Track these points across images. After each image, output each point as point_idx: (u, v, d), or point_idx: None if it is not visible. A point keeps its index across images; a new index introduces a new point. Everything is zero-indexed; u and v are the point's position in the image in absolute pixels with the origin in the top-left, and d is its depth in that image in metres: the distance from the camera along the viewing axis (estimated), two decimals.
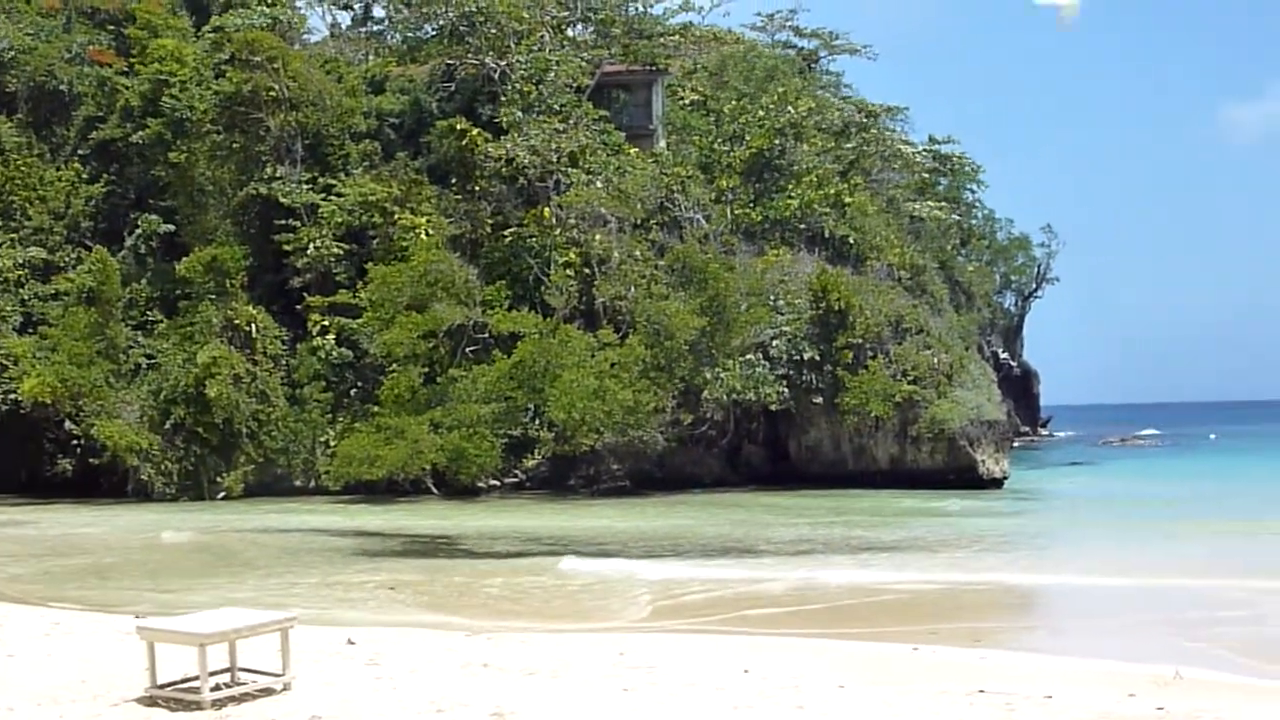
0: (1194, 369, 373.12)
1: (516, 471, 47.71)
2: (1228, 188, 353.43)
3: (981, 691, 13.00)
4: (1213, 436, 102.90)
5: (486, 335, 47.84)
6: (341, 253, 49.82)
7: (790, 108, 54.32)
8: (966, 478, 47.49)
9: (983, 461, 48.65)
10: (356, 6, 65.81)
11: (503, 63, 52.49)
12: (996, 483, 48.59)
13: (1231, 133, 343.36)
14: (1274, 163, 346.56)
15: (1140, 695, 13.02)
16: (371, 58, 60.27)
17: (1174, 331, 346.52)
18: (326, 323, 49.03)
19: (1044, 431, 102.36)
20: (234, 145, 51.69)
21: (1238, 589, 21.16)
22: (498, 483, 47.07)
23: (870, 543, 30.16)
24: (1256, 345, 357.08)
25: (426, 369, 47.22)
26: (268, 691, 12.55)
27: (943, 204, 72.11)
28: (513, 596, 22.45)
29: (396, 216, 49.54)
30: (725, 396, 47.04)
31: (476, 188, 51.03)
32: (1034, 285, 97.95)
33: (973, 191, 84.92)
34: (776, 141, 53.75)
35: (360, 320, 48.03)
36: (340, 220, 50.04)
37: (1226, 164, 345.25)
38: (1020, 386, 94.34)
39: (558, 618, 20.11)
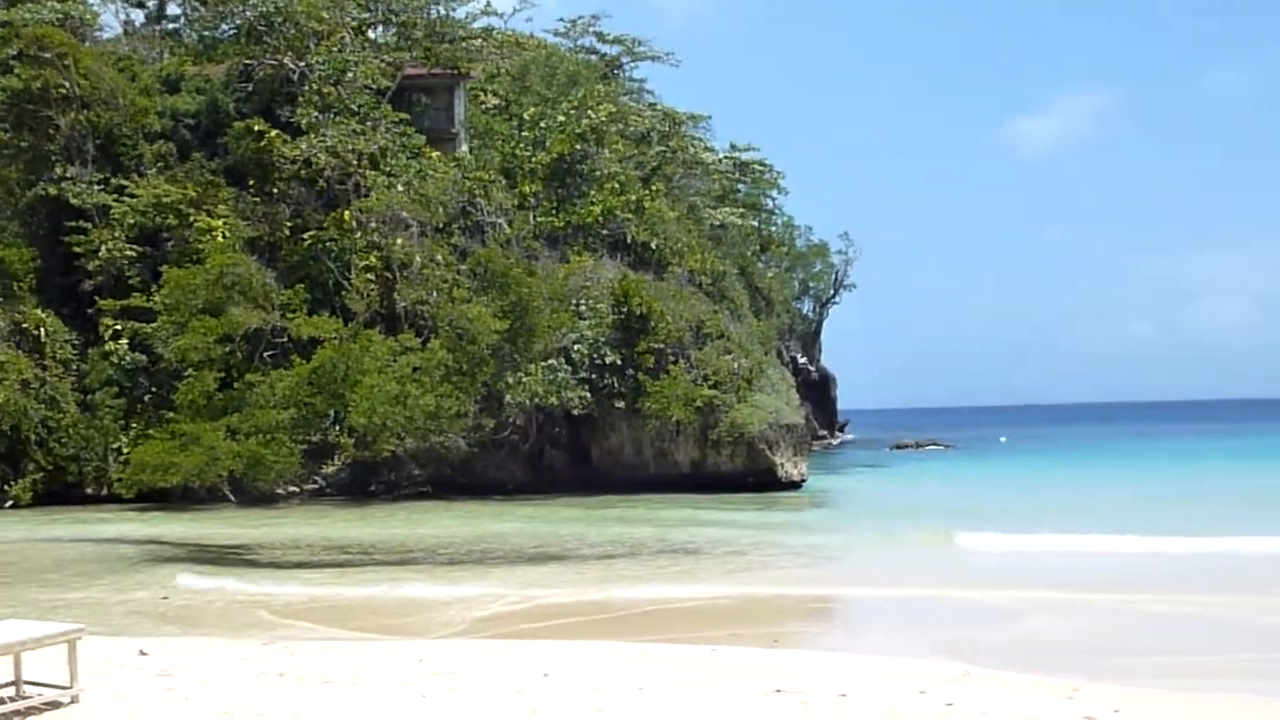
0: (988, 373, 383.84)
1: (316, 478, 47.07)
2: (1014, 199, 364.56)
3: (779, 691, 13.18)
4: (1003, 439, 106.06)
5: (285, 340, 47.10)
6: (135, 255, 48.59)
7: (590, 113, 54.48)
8: (766, 481, 48.18)
9: (782, 465, 49.40)
10: (150, 4, 64.24)
11: (301, 63, 51.70)
12: (795, 485, 49.41)
13: (1018, 145, 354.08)
14: (1057, 175, 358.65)
15: (931, 692, 13.31)
16: (167, 56, 58.90)
17: (968, 337, 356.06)
18: (119, 327, 47.74)
19: (841, 435, 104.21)
20: (22, 144, 50.00)
21: (1016, 598, 21.72)
22: (297, 489, 46.38)
23: (673, 546, 30.40)
24: (1045, 351, 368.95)
25: (223, 374, 46.29)
26: (54, 705, 12.16)
27: (743, 211, 73.11)
28: (309, 608, 22.10)
29: (192, 218, 48.50)
30: (527, 401, 47.03)
31: (275, 190, 50.19)
32: (832, 291, 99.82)
33: (772, 199, 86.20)
34: (578, 147, 53.85)
35: (154, 324, 46.88)
36: (133, 222, 48.81)
37: (1013, 176, 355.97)
38: (818, 391, 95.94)
39: (358, 627, 19.88)
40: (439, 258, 48.90)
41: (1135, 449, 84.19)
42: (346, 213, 49.01)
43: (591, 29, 73.87)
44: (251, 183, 50.63)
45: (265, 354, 47.22)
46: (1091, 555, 27.42)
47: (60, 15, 52.74)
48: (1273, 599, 20.79)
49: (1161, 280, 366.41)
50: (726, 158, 73.85)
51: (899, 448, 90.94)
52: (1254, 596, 20.85)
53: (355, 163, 49.65)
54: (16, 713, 11.87)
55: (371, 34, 57.37)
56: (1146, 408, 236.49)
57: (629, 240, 52.74)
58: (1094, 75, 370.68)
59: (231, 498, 44.87)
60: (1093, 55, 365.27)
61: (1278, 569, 24.85)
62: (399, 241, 48.67)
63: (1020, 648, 17.12)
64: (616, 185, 53.81)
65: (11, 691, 12.15)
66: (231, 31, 57.10)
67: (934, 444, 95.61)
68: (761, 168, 79.18)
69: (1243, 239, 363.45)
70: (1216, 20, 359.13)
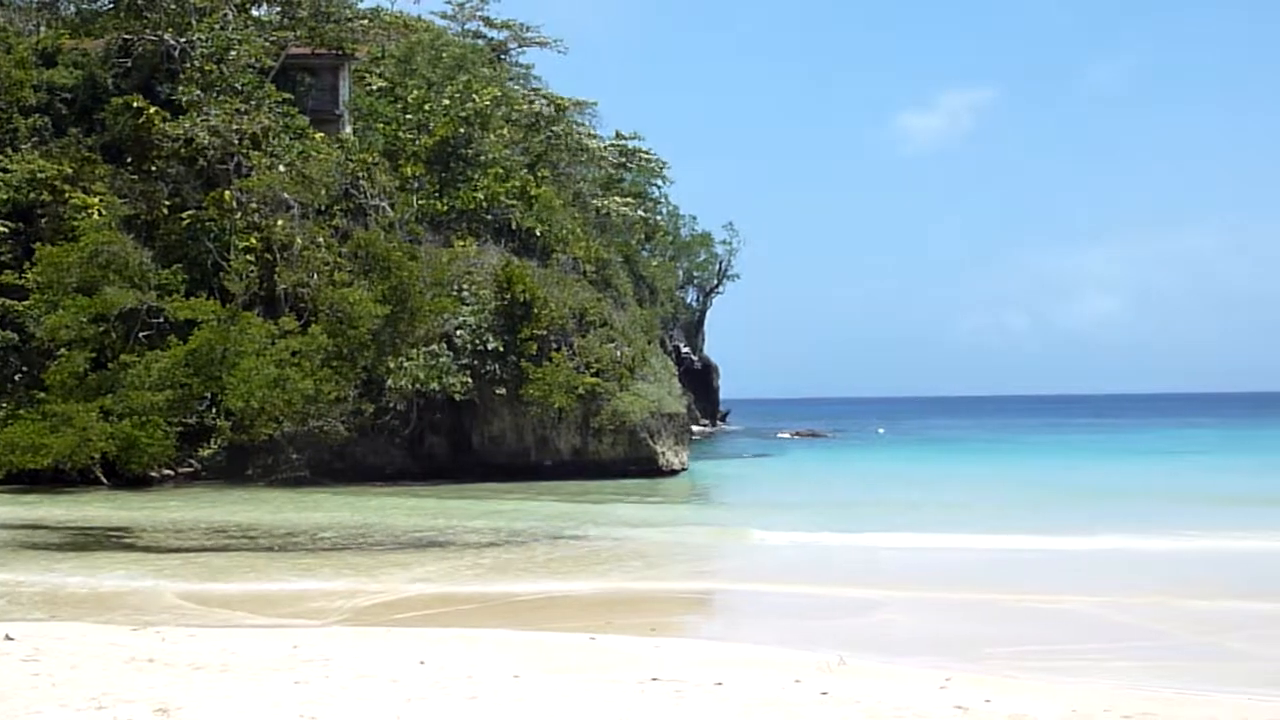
0: (872, 365, 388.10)
1: (192, 461, 46.42)
2: (901, 193, 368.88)
3: (655, 679, 13.23)
4: (880, 430, 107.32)
5: (162, 320, 46.34)
6: (7, 231, 47.47)
7: (475, 97, 54.19)
8: (647, 469, 48.36)
9: (663, 453, 49.61)
10: None
11: (182, 40, 50.79)
12: (675, 473, 49.64)
13: (905, 141, 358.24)
14: (942, 171, 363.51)
15: (806, 681, 13.42)
16: (43, 29, 57.53)
17: (852, 329, 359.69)
18: None
19: (723, 424, 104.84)
20: None
21: (886, 597, 21.97)
22: (171, 472, 45.71)
23: (553, 535, 30.43)
24: (927, 344, 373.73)
25: (96, 354, 45.44)
26: None
27: (628, 199, 73.20)
28: (183, 592, 21.80)
29: (67, 195, 47.48)
30: (408, 386, 46.72)
31: (153, 168, 49.32)
32: (715, 281, 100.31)
33: (658, 188, 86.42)
34: (462, 131, 53.55)
35: (26, 303, 45.88)
36: (5, 198, 47.65)
37: (898, 171, 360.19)
38: (701, 380, 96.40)
39: (233, 613, 19.66)
40: (320, 240, 48.37)
41: (1001, 442, 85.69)
42: (227, 193, 48.30)
43: (479, 13, 73.55)
44: (129, 160, 49.67)
45: (141, 335, 46.43)
46: (907, 551, 27.90)
47: None
48: (1111, 596, 21.20)
49: (1038, 275, 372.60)
50: (612, 145, 73.83)
51: (779, 437, 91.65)
52: (1088, 595, 21.18)
53: (237, 142, 48.94)
54: None
55: (255, 11, 56.46)
56: (1021, 401, 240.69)
57: (514, 226, 52.56)
58: (975, 73, 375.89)
59: (104, 480, 44.14)
60: (974, 53, 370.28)
61: (1110, 566, 25.37)
62: (280, 223, 48.08)
63: (891, 640, 17.31)
64: (501, 170, 53.61)
65: None
66: (110, 5, 55.91)
67: (814, 434, 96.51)
68: (647, 156, 79.28)
69: (1117, 235, 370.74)
70: (1092, 18, 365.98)
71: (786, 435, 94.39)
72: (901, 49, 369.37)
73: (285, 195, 48.18)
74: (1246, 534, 29.29)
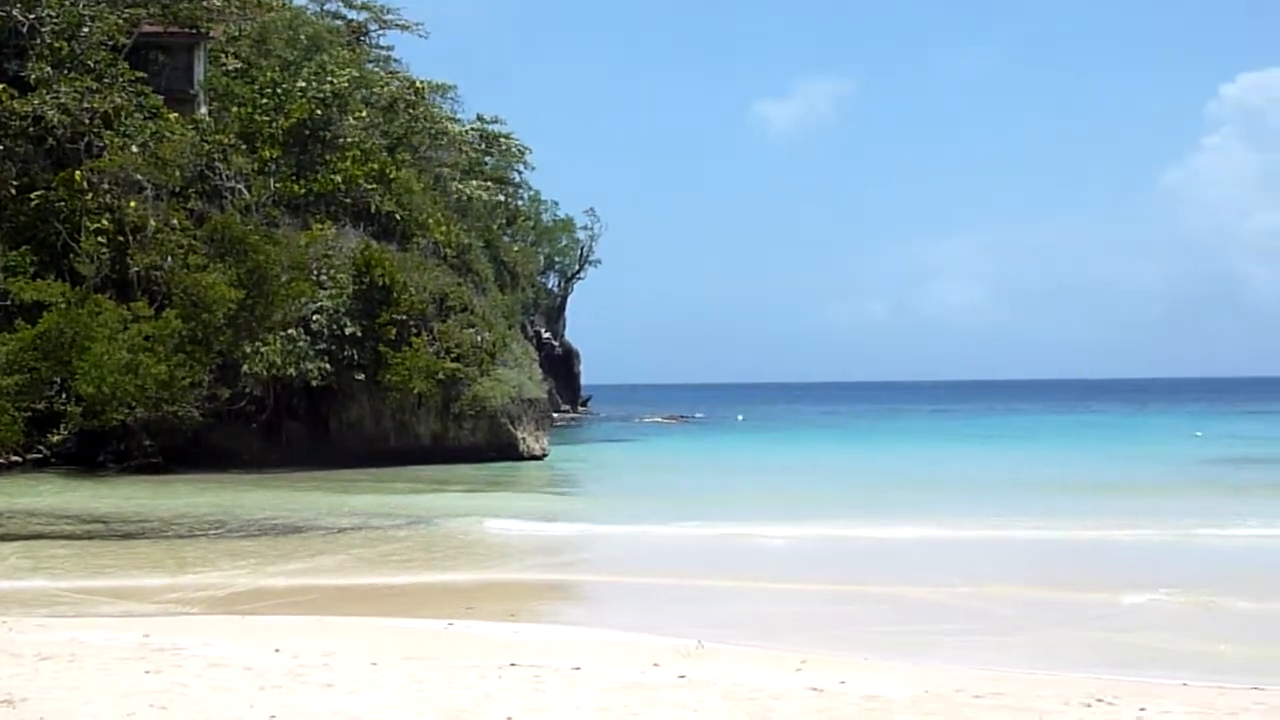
0: (736, 351, 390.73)
1: (41, 447, 45.33)
2: (763, 180, 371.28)
3: (513, 665, 13.23)
4: (740, 417, 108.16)
5: (8, 303, 45.16)
6: None
7: (332, 79, 53.54)
8: (508, 455, 48.29)
9: (524, 439, 49.57)
10: None
11: (31, 15, 49.45)
12: (536, 459, 49.61)
13: (765, 128, 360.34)
14: (800, 158, 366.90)
15: (664, 665, 13.51)
16: None
17: (717, 315, 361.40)
18: None
19: (584, 410, 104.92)
20: None
21: (740, 587, 22.20)
22: (19, 459, 44.63)
23: (410, 521, 30.31)
24: (791, 330, 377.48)
25: None
26: None
27: (489, 184, 72.84)
28: (32, 583, 21.35)
29: None
30: (265, 371, 46.09)
31: (1, 146, 48.06)
32: (577, 266, 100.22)
33: (519, 172, 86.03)
34: (319, 112, 52.87)
35: None
36: None
37: (759, 158, 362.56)
38: (562, 366, 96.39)
39: (85, 602, 19.30)
40: (175, 223, 47.45)
41: (854, 429, 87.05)
42: (77, 173, 47.17)
43: None
44: None
45: None
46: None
47: None
48: (949, 584, 21.63)
49: (898, 262, 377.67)
50: (473, 129, 73.38)
51: (641, 423, 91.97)
52: (922, 585, 21.50)
53: (88, 121, 47.82)
54: None
55: None
56: (881, 387, 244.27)
57: (373, 210, 52.04)
58: (833, 61, 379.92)
59: None
60: (832, 42, 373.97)
61: (938, 553, 25.80)
62: (132, 204, 47.08)
63: (747, 626, 17.44)
64: (360, 153, 53.03)
65: None
66: None
67: (675, 420, 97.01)
68: (509, 141, 78.96)
69: (975, 223, 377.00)
70: (952, 7, 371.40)
71: (648, 421, 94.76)
72: (760, 35, 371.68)
73: (138, 176, 47.19)
74: (1060, 521, 29.80)
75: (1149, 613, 18.36)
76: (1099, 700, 11.64)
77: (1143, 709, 11.24)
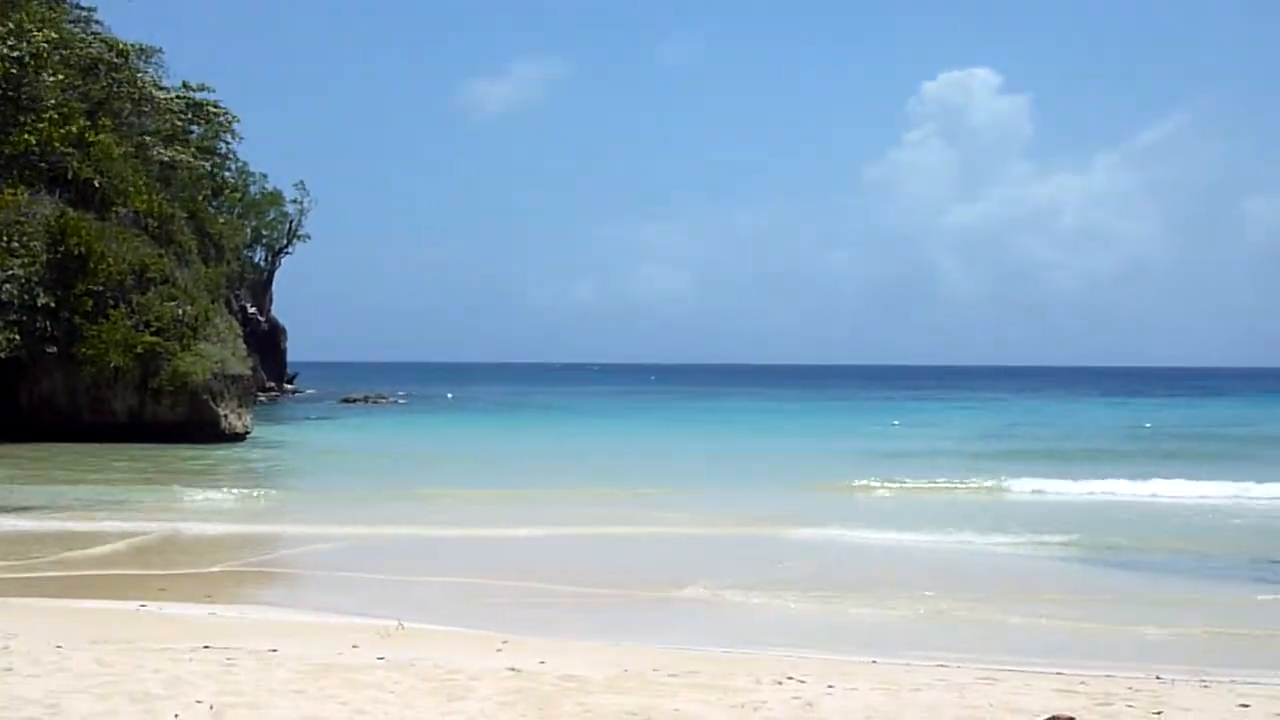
0: (449, 330, 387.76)
1: None
2: (474, 161, 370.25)
3: (206, 647, 12.93)
4: (450, 395, 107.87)
5: None
6: None
7: (29, 38, 51.15)
8: (209, 432, 47.04)
9: (225, 416, 48.37)
10: None
11: None
12: (239, 437, 48.49)
13: (475, 108, 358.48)
14: (512, 138, 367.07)
15: (363, 646, 13.40)
16: None
17: (430, 294, 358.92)
18: None
19: (290, 387, 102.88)
20: None
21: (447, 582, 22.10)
22: None
23: (102, 502, 29.36)
24: (503, 310, 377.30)
25: None
26: None
27: (195, 153, 70.77)
28: None
29: None
30: None
31: None
32: (285, 241, 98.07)
33: (226, 143, 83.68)
34: (14, 72, 50.48)
35: None
36: None
37: (471, 137, 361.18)
38: (268, 342, 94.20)
39: None
40: None
41: (555, 409, 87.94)
42: None
43: None
44: None
45: None
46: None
47: None
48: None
49: (606, 246, 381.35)
50: (179, 97, 71.02)
51: (347, 401, 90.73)
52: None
53: None
54: None
55: None
56: (591, 370, 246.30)
57: (70, 175, 49.96)
58: (546, 41, 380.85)
59: None
60: (546, 23, 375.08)
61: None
62: None
63: (449, 610, 17.33)
64: (57, 116, 50.84)
65: None
66: None
67: (383, 398, 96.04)
68: (216, 110, 76.69)
69: (684, 208, 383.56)
70: None
71: (358, 398, 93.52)
72: (473, 13, 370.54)
73: None
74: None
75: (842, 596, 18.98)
76: (790, 678, 11.96)
77: (831, 685, 11.58)
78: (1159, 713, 10.64)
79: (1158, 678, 12.79)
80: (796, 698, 11.04)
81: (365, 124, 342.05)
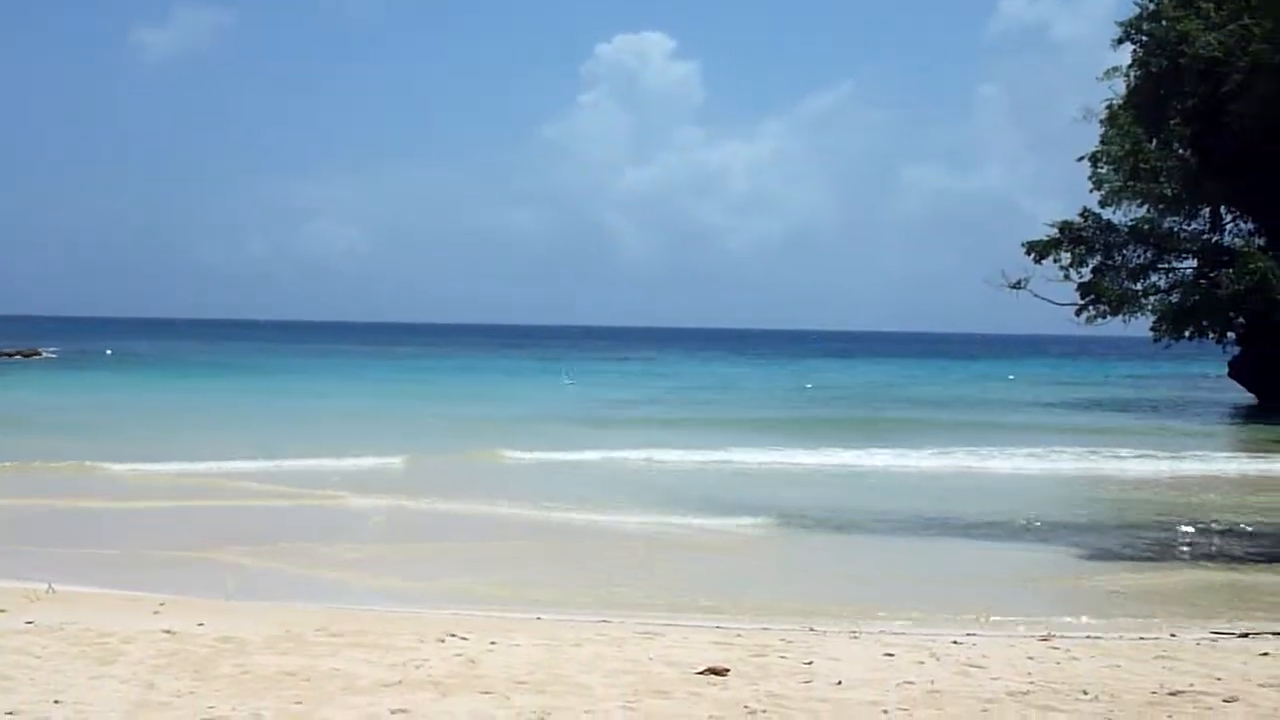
0: (107, 283, 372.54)
1: None
2: (140, 108, 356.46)
3: None
4: (109, 352, 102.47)
5: None
6: None
7: None
8: None
9: None
10: None
11: None
12: None
13: (141, 55, 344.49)
14: (182, 83, 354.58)
15: (11, 610, 12.86)
16: None
17: (93, 246, 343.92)
18: None
19: None
20: None
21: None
22: None
23: None
24: (162, 264, 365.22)
25: None
26: None
27: None
28: None
29: None
30: None
31: None
32: None
33: None
34: None
35: None
36: None
37: (138, 84, 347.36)
38: None
39: None
40: None
41: (220, 366, 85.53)
42: None
43: None
44: None
45: None
46: None
47: None
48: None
49: (275, 201, 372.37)
50: None
51: None
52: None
53: None
54: None
55: None
56: (263, 326, 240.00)
57: None
58: None
59: None
60: None
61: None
62: None
63: (105, 570, 16.75)
64: None
65: None
66: None
67: (36, 354, 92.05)
68: None
69: (357, 165, 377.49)
70: None
71: (8, 353, 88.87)
72: None
73: None
74: None
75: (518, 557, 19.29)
76: (452, 635, 12.03)
77: (494, 642, 11.69)
78: (810, 662, 11.08)
79: (811, 629, 13.36)
80: (459, 655, 11.10)
81: (37, 78, 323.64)
